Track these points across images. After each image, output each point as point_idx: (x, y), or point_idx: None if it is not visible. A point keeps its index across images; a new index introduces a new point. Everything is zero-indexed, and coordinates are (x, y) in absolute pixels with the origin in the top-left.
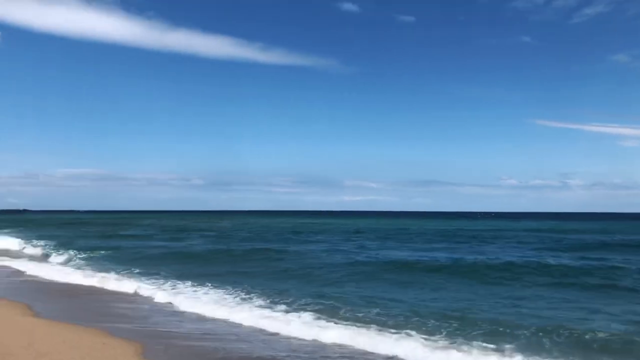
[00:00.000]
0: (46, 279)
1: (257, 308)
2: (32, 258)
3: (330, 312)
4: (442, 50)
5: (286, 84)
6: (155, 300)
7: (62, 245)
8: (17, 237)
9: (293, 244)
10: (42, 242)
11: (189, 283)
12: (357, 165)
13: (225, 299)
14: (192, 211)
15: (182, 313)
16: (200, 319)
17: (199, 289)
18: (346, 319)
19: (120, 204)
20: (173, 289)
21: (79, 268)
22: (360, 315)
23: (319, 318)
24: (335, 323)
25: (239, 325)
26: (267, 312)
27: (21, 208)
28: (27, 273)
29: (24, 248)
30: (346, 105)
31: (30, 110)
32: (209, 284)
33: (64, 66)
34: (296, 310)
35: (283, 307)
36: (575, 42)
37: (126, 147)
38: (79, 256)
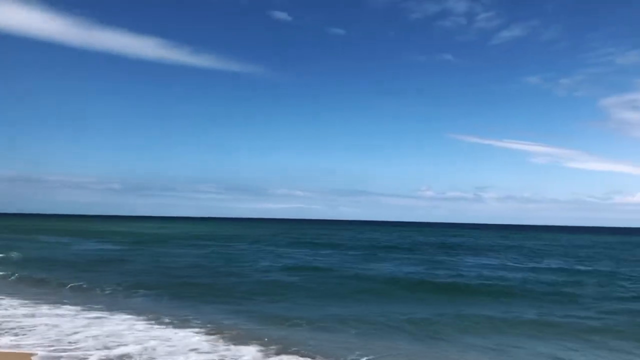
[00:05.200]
0: None
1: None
2: None
3: None
4: (370, 64)
5: (214, 89)
6: None
7: None
8: None
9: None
10: None
11: None
12: (284, 174)
13: None
14: (111, 216)
15: None
16: None
17: None
18: None
19: (32, 207)
20: None
21: None
22: None
23: None
24: None
25: None
26: None
27: None
28: None
29: None
30: (275, 113)
31: None
32: None
33: None
34: None
35: None
36: (494, 63)
37: (42, 148)
38: None
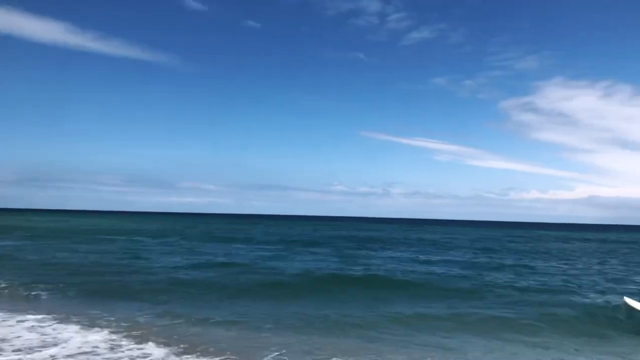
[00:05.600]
0: None
1: None
2: None
3: None
4: (283, 59)
5: (121, 76)
6: None
7: None
8: None
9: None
10: None
11: None
12: (192, 167)
13: None
14: (3, 209)
15: None
16: None
17: None
18: None
19: None
20: None
21: None
22: None
23: None
24: None
25: None
26: None
27: None
28: None
29: None
30: (184, 104)
31: None
32: None
33: None
34: None
35: None
36: (403, 63)
37: None
38: None
